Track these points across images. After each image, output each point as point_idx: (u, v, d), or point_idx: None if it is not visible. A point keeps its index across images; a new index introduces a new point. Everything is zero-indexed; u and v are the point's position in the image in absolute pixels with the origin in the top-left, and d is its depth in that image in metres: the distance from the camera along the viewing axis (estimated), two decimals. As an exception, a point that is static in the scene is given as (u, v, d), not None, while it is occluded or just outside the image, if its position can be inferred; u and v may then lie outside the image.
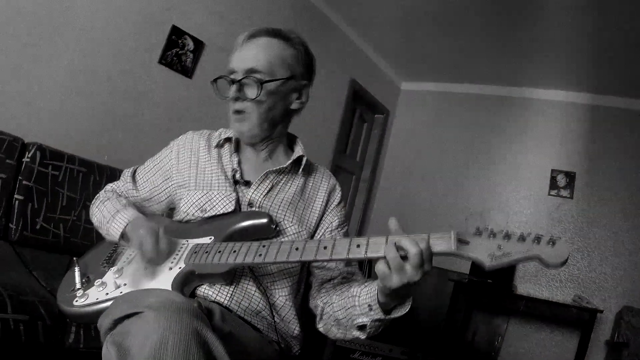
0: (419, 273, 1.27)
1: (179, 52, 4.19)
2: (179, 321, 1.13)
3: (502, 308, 5.96)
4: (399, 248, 1.27)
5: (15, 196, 2.94)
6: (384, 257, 1.29)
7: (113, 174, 3.37)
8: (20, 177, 2.96)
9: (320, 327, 1.71)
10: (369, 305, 1.46)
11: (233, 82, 1.68)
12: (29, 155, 3.00)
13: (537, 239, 1.20)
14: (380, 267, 1.31)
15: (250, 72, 1.66)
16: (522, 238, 1.22)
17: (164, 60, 4.10)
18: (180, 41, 4.17)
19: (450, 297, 5.66)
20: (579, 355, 5.16)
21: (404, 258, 1.27)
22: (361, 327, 1.53)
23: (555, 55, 5.46)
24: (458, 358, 5.80)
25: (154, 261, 1.55)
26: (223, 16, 4.54)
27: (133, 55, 3.92)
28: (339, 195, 1.92)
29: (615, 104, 6.05)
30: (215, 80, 1.72)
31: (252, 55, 1.68)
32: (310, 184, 1.87)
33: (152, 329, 1.11)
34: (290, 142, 1.92)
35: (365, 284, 1.54)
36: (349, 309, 1.54)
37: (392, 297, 1.40)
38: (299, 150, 1.83)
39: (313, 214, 1.82)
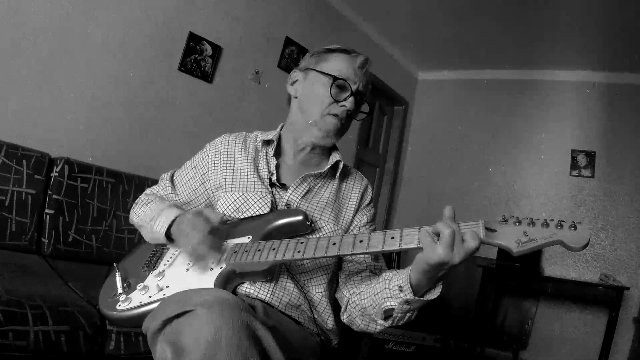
0: (460, 254, 1.32)
1: (198, 58, 4.24)
2: (230, 316, 1.18)
3: (530, 291, 5.95)
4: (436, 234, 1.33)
5: (46, 211, 3.01)
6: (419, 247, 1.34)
7: (141, 183, 3.43)
8: (49, 192, 3.03)
9: (345, 317, 1.75)
10: (400, 287, 1.48)
11: (353, 94, 1.78)
12: (57, 170, 3.07)
13: (560, 224, 1.25)
14: (425, 239, 1.34)
15: (364, 95, 1.85)
16: (545, 224, 1.26)
17: (183, 67, 4.15)
18: (198, 47, 4.22)
19: (480, 283, 5.67)
20: (608, 334, 5.16)
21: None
22: (388, 313, 1.55)
23: (570, 34, 5.42)
24: (490, 343, 5.81)
25: (202, 257, 1.58)
26: (239, 19, 4.58)
27: (153, 64, 3.98)
28: (370, 196, 1.98)
29: (632, 80, 5.97)
30: (335, 79, 1.77)
31: (367, 81, 1.85)
32: (344, 186, 1.93)
33: (206, 325, 1.16)
34: (329, 148, 1.97)
35: (398, 270, 1.57)
36: (379, 294, 1.55)
37: (426, 276, 1.41)
38: (336, 156, 1.89)
39: (347, 214, 1.87)
